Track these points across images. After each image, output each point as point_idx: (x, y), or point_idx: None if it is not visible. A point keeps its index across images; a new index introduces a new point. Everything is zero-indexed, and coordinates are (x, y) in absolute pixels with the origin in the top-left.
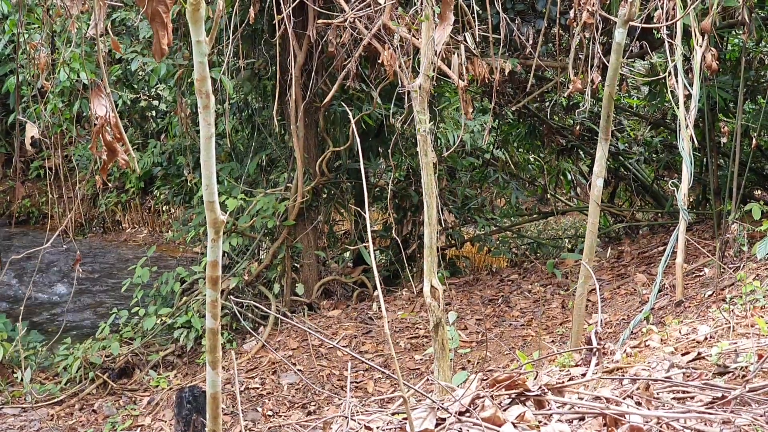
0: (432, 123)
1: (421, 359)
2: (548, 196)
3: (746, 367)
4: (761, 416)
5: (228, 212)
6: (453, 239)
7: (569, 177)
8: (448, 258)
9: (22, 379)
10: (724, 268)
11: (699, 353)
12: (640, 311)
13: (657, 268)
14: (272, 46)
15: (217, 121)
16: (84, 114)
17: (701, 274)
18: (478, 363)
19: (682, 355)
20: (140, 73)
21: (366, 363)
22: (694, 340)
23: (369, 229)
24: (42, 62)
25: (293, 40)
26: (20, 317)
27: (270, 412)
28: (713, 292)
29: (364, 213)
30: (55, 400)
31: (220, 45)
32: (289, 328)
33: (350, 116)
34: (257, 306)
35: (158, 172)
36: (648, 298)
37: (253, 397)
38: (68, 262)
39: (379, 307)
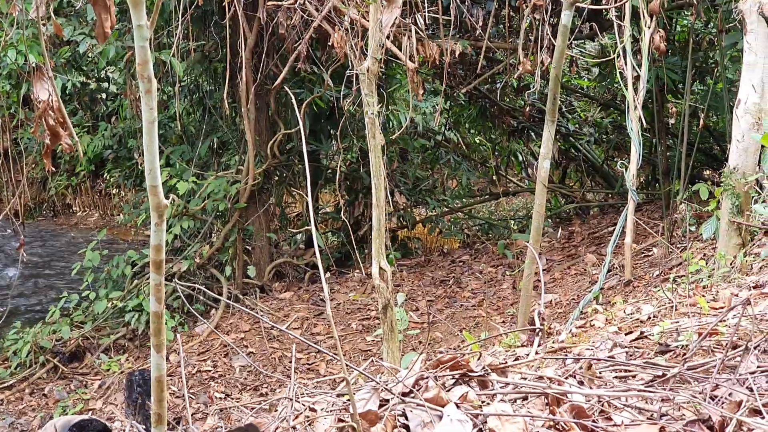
0: (382, 105)
1: (372, 340)
2: (498, 177)
3: (686, 345)
4: (699, 393)
5: (179, 195)
6: (404, 220)
7: (520, 158)
8: (399, 239)
9: None
10: (671, 248)
11: (642, 332)
12: (590, 291)
13: (607, 248)
14: (222, 28)
15: (167, 103)
16: (29, 97)
17: (650, 253)
18: (429, 344)
19: (626, 334)
20: (89, 55)
21: (312, 346)
22: (638, 319)
23: (312, 211)
24: None
25: (243, 22)
26: None
27: (222, 395)
28: (660, 272)
29: (313, 195)
30: (5, 384)
31: (169, 27)
32: (241, 310)
33: (296, 100)
34: (207, 290)
35: (109, 155)
36: (597, 278)
37: (205, 379)
38: (14, 244)
39: (330, 290)
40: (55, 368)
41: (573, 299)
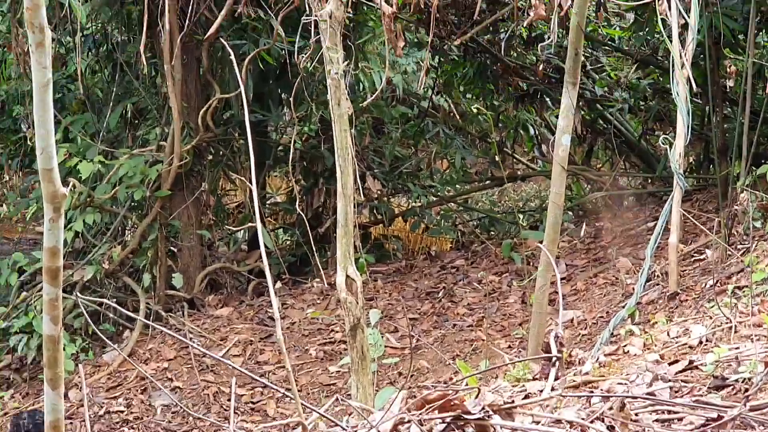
0: (349, 62)
1: (337, 371)
2: (503, 156)
3: (749, 379)
4: None
5: (80, 180)
6: (379, 214)
7: (531, 131)
8: (373, 238)
9: None
10: (730, 251)
11: (691, 361)
12: (624, 306)
13: (645, 250)
14: None
15: (66, 58)
16: None
17: (701, 257)
18: (411, 377)
19: (670, 364)
20: None
21: (258, 380)
22: (686, 344)
23: (257, 201)
24: None
25: None
26: None
27: None
28: (716, 282)
29: (259, 181)
30: None
31: None
32: (164, 332)
33: (236, 54)
34: (117, 307)
35: None
36: (633, 289)
37: (116, 423)
38: None
39: (280, 305)
40: None
41: (601, 317)
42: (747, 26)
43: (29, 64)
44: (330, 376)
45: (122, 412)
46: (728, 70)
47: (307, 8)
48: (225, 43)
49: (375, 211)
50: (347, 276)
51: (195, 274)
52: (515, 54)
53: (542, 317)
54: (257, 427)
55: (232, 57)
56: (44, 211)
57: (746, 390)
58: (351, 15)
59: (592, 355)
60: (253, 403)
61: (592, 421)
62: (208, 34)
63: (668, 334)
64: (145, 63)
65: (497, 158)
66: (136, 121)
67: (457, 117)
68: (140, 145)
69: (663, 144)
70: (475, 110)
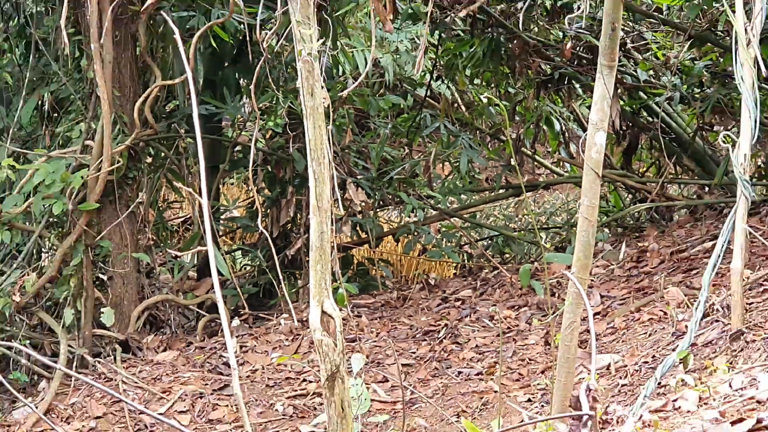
0: (326, 38)
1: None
2: (521, 158)
3: None
4: None
5: None
6: (364, 232)
7: (557, 127)
8: (356, 263)
9: None
10: None
11: (759, 420)
12: (673, 349)
13: (701, 278)
14: None
15: None
16: None
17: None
18: None
19: (733, 423)
20: None
21: None
22: (752, 398)
23: (208, 216)
24: None
25: None
26: None
27: None
28: None
29: (212, 190)
30: None
31: None
32: (90, 384)
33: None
34: (29, 351)
35: None
36: (686, 327)
37: None
38: None
39: (238, 348)
40: None
41: (645, 363)
42: None
43: None
44: None
45: None
46: None
47: None
48: (167, 16)
49: (358, 228)
50: (323, 311)
51: (130, 309)
52: (536, 28)
53: (570, 363)
54: None
55: (177, 34)
56: None
57: None
58: None
59: (633, 412)
60: None
61: None
62: (147, 4)
63: (730, 385)
64: (66, 41)
65: (513, 161)
66: (56, 115)
67: (463, 108)
68: (60, 145)
69: (723, 143)
70: (485, 100)
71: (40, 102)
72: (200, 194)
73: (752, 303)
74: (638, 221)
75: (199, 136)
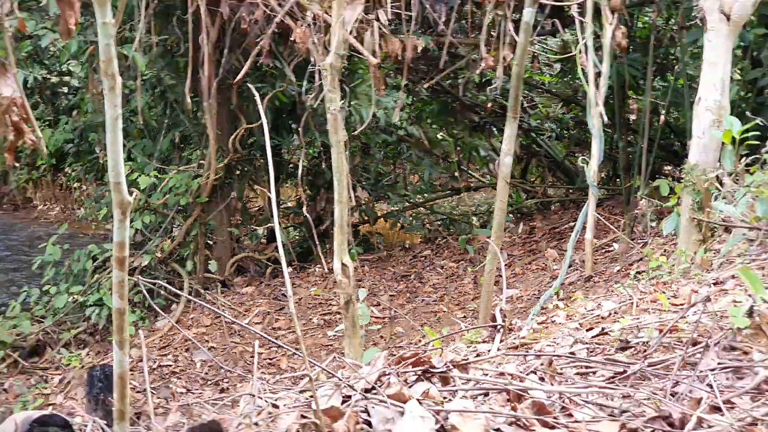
0: (344, 100)
1: (333, 335)
2: (460, 172)
3: (647, 342)
4: (660, 390)
5: (140, 190)
6: (366, 216)
7: (482, 153)
8: (361, 234)
9: None
10: (632, 244)
11: (603, 329)
12: (551, 287)
13: (567, 244)
14: (185, 23)
15: (129, 97)
16: None
17: (610, 249)
18: (390, 339)
19: (587, 330)
20: (51, 49)
21: (273, 342)
22: (598, 315)
23: (275, 206)
24: None
25: (206, 17)
26: None
27: (183, 390)
28: (621, 268)
29: (274, 191)
30: None
31: (132, 21)
32: (202, 305)
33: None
34: (167, 286)
35: (70, 149)
36: (558, 273)
37: (166, 374)
38: None
39: (292, 285)
40: (16, 363)
41: (534, 295)
42: (646, 74)
43: (102, 102)
44: (328, 339)
45: (170, 366)
46: (631, 107)
47: (313, 60)
48: (251, 86)
49: (363, 213)
50: (342, 263)
51: (226, 262)
52: (470, 94)
53: (489, 294)
54: (274, 377)
55: (256, 96)
56: (114, 214)
57: (645, 350)
58: (346, 65)
59: (527, 324)
60: (269, 359)
61: (527, 374)
62: (237, 78)
63: (585, 308)
64: (189, 101)
65: (456, 174)
66: (182, 145)
67: (426, 142)
68: (185, 163)
69: (581, 163)
70: (439, 137)
71: (173, 137)
72: (270, 192)
73: (597, 260)
74: (530, 210)
75: (270, 158)
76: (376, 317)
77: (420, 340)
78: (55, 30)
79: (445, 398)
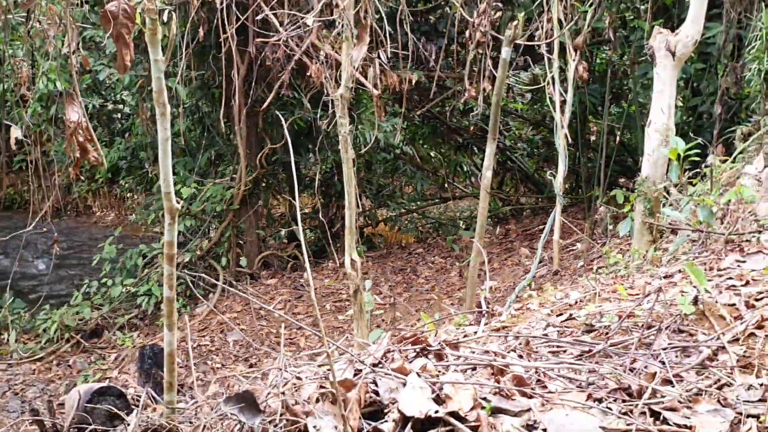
0: (351, 125)
1: (343, 319)
2: (447, 184)
3: (608, 326)
4: (620, 366)
5: (182, 199)
6: (369, 220)
7: (465, 168)
8: (365, 235)
9: (8, 340)
10: (593, 244)
11: (570, 315)
12: (524, 279)
13: (538, 243)
14: (219, 60)
15: (173, 122)
16: (60, 116)
17: (574, 248)
18: (391, 322)
19: (557, 316)
20: (107, 81)
21: (296, 324)
22: (566, 303)
23: (298, 211)
24: (24, 74)
25: (236, 56)
26: (7, 288)
27: (218, 365)
28: (584, 264)
29: (294, 200)
30: (36, 357)
31: (175, 59)
32: (233, 294)
33: (282, 119)
34: (206, 277)
35: (123, 165)
36: (530, 268)
37: (204, 352)
38: (47, 241)
39: (308, 279)
40: (78, 343)
41: (510, 286)
42: (603, 102)
43: (149, 126)
44: (340, 322)
45: (208, 345)
46: (591, 129)
47: (326, 91)
48: (278, 113)
49: (367, 218)
50: (351, 259)
51: (254, 258)
52: (455, 120)
53: (473, 285)
54: (294, 354)
55: (282, 121)
56: (165, 218)
57: (607, 333)
58: (353, 95)
59: (506, 310)
60: (290, 339)
61: (508, 352)
62: (263, 107)
63: (554, 297)
64: (223, 125)
65: (444, 185)
66: (217, 162)
67: (418, 159)
68: (220, 176)
69: (549, 176)
70: (430, 155)
71: (209, 155)
72: (293, 200)
73: (563, 257)
74: (505, 215)
75: (294, 172)
76: (379, 304)
77: (415, 323)
78: (111, 66)
79: (439, 372)
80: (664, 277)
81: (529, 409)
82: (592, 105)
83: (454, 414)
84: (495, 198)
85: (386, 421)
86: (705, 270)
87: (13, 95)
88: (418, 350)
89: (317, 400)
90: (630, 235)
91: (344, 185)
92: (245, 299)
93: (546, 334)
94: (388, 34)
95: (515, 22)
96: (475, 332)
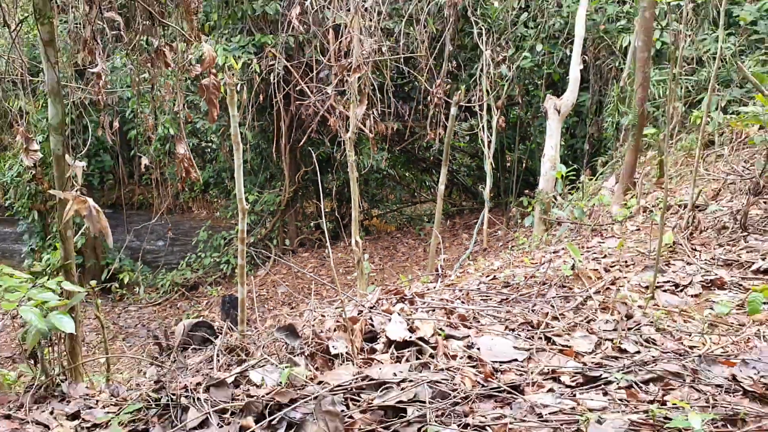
0: (356, 156)
1: (350, 279)
2: (416, 193)
3: (518, 283)
4: (526, 308)
5: (249, 202)
6: (366, 216)
7: (427, 183)
8: (365, 226)
9: (139, 292)
10: (508, 231)
11: (494, 276)
12: (465, 254)
13: (473, 231)
14: (272, 115)
15: (243, 154)
16: (172, 151)
17: (497, 234)
18: (380, 281)
19: (486, 276)
20: (202, 128)
21: (320, 281)
22: (492, 269)
23: (322, 211)
24: (150, 124)
25: (283, 112)
26: (139, 258)
27: (272, 308)
28: (503, 244)
29: (320, 203)
30: (156, 303)
31: (245, 114)
32: (281, 263)
33: (313, 152)
34: (264, 252)
35: (211, 181)
36: (468, 246)
37: (263, 299)
38: (162, 229)
39: (328, 253)
40: (183, 294)
41: (456, 258)
42: (515, 141)
43: (228, 156)
44: (347, 281)
45: (264, 295)
46: (508, 158)
47: (339, 134)
48: (311, 150)
49: (365, 214)
50: (356, 240)
51: (294, 240)
52: (421, 152)
53: (433, 258)
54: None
55: (312, 154)
56: (238, 214)
57: (517, 287)
58: (357, 137)
59: (453, 273)
60: (317, 292)
61: (455, 299)
62: (300, 144)
63: (485, 265)
64: (274, 155)
65: (415, 194)
66: (271, 179)
67: (398, 177)
68: (272, 188)
69: (480, 189)
70: (405, 175)
71: (265, 175)
72: (320, 203)
73: (490, 240)
74: (453, 213)
75: (320, 187)
76: (373, 269)
77: (397, 282)
78: (204, 118)
79: (412, 312)
80: (553, 252)
81: (468, 336)
82: (507, 143)
83: (421, 339)
84: (446, 202)
85: (378, 343)
86: (579, 248)
87: (143, 137)
88: (398, 298)
89: (335, 330)
90: (532, 226)
91: (351, 194)
92: (288, 266)
93: (479, 288)
94: (378, 99)
95: (459, 91)
96: (435, 287)
